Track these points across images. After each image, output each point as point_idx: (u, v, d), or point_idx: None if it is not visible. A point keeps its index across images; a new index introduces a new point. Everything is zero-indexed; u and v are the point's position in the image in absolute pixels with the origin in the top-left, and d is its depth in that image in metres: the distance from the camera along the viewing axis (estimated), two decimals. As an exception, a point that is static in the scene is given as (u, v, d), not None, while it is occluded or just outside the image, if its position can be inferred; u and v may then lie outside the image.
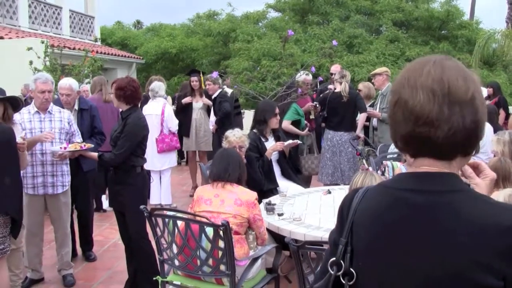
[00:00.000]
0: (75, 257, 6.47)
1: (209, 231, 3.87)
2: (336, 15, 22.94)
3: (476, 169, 1.73)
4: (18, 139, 4.78)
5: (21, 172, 5.17)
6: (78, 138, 5.70)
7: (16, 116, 5.35)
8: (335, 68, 9.49)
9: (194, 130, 9.62)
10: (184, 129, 9.61)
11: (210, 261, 3.97)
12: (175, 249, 4.11)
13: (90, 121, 6.35)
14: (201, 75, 9.67)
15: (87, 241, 6.58)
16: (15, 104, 4.92)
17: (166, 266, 4.35)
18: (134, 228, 5.13)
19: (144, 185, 5.31)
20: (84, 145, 5.37)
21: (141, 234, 5.14)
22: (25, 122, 5.37)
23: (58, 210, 5.67)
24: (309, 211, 4.92)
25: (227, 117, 9.10)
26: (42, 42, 10.74)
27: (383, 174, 6.13)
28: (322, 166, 8.13)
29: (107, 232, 7.58)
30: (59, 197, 5.63)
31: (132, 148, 5.03)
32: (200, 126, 9.63)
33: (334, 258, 1.55)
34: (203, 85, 9.62)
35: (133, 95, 5.11)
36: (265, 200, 5.05)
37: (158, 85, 8.62)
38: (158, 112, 8.39)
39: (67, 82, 6.21)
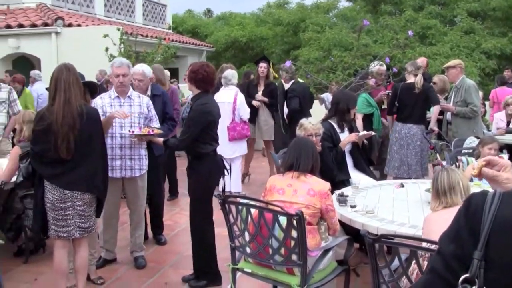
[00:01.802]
0: (146, 240, 6.59)
1: (283, 220, 3.86)
2: (410, 5, 22.44)
3: (489, 165, 1.63)
4: None
5: None
6: (155, 123, 5.78)
7: (97, 101, 5.49)
8: (422, 61, 9.29)
9: (258, 119, 9.66)
10: (250, 116, 9.63)
11: (282, 250, 3.95)
12: (247, 236, 4.13)
13: (162, 107, 6.40)
14: (270, 63, 9.64)
15: (158, 225, 6.72)
16: (93, 89, 5.08)
17: (237, 253, 4.37)
18: (194, 212, 5.29)
19: (211, 172, 5.28)
20: (152, 131, 5.47)
21: (197, 219, 5.29)
22: (105, 106, 5.50)
23: (135, 193, 5.79)
24: (382, 204, 4.84)
25: (296, 112, 9.02)
26: (118, 30, 11.00)
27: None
28: (389, 158, 8.01)
29: (177, 217, 7.72)
30: (136, 180, 5.74)
31: (195, 134, 5.11)
32: (261, 115, 9.68)
33: (467, 275, 1.36)
34: (274, 74, 9.59)
35: (203, 80, 5.16)
36: (337, 192, 4.99)
37: (231, 73, 8.66)
38: (230, 100, 8.42)
39: (140, 68, 6.32)
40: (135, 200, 5.83)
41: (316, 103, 10.11)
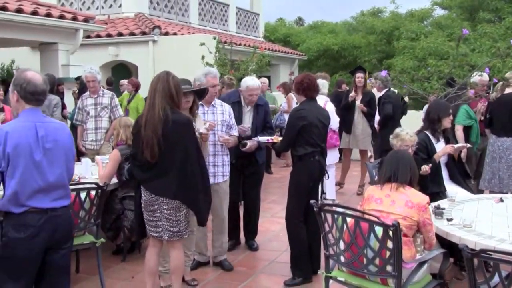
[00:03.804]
0: (238, 245, 6.74)
1: (379, 230, 3.86)
2: (509, 12, 21.59)
3: None
4: (202, 130, 5.08)
5: None
6: (234, 131, 5.98)
7: None
8: None
9: (353, 128, 9.61)
10: (346, 126, 9.61)
11: (377, 261, 3.95)
12: (342, 245, 4.15)
13: (263, 116, 6.57)
14: (366, 73, 9.58)
15: (252, 230, 6.79)
16: (201, 94, 5.28)
17: (331, 262, 4.39)
18: (287, 209, 5.73)
19: (302, 173, 5.56)
20: (271, 139, 6.01)
21: (287, 216, 5.69)
22: None
23: (219, 198, 5.89)
24: (479, 218, 4.70)
25: (390, 119, 8.93)
26: (214, 38, 11.25)
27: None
28: (482, 171, 7.76)
29: (269, 223, 7.79)
30: (221, 186, 5.88)
31: (290, 138, 5.55)
32: (358, 124, 9.62)
33: None
34: (367, 85, 9.55)
35: (309, 87, 5.55)
36: (433, 204, 4.91)
37: (321, 83, 8.66)
38: (319, 109, 8.44)
39: (256, 83, 6.45)
40: (219, 205, 5.93)
41: (409, 113, 9.95)
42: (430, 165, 5.75)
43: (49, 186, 3.64)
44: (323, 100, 8.53)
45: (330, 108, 8.59)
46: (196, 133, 5.08)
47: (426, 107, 9.54)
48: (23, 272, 3.64)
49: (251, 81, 6.41)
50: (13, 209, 3.57)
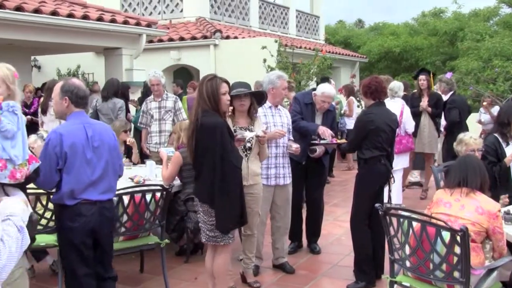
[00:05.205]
0: (300, 248, 6.73)
1: (446, 235, 3.78)
2: None
3: None
4: (260, 133, 5.11)
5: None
6: (290, 134, 6.04)
7: (260, 110, 5.73)
8: None
9: (419, 131, 9.45)
10: None
11: (444, 266, 3.87)
12: (407, 250, 4.08)
13: (331, 121, 6.62)
14: (431, 75, 9.39)
15: (314, 233, 6.77)
16: (260, 99, 5.32)
17: (396, 266, 4.33)
18: (352, 212, 5.74)
19: (369, 176, 5.56)
20: (335, 140, 6.19)
21: (352, 219, 5.72)
22: (260, 116, 5.72)
23: (287, 200, 5.96)
24: (552, 225, 4.55)
25: (456, 125, 8.71)
26: (276, 41, 11.26)
27: None
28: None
29: (331, 226, 7.75)
30: (288, 188, 5.94)
31: (357, 140, 5.60)
32: (424, 127, 9.42)
33: None
34: (432, 87, 9.36)
35: (377, 90, 5.55)
36: (503, 209, 4.77)
37: (397, 85, 8.57)
38: (396, 112, 8.24)
39: (333, 92, 6.57)
40: (285, 205, 5.98)
41: (472, 115, 9.72)
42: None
43: (96, 180, 4.09)
44: (399, 103, 8.45)
45: (407, 112, 8.50)
46: (254, 136, 5.13)
47: (480, 110, 9.33)
48: (83, 254, 4.09)
49: (328, 88, 6.49)
50: (67, 202, 4.01)
